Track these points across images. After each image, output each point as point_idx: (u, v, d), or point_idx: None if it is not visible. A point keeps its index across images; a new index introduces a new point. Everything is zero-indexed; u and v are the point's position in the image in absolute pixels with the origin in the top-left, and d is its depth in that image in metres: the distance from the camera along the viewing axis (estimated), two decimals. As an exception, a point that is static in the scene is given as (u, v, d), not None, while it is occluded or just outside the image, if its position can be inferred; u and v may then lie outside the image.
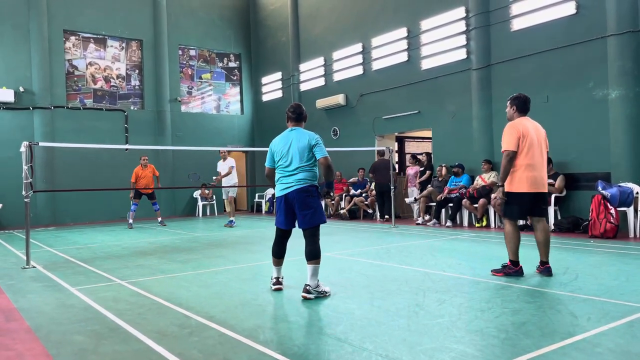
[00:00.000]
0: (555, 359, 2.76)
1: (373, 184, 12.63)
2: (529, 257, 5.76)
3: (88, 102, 15.21)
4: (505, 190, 5.11)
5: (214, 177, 12.38)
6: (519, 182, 4.96)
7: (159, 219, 12.62)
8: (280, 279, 4.76)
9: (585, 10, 8.97)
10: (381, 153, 12.06)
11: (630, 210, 7.92)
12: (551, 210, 9.00)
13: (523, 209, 5.09)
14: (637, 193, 7.96)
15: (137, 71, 16.12)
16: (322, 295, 4.36)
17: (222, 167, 11.94)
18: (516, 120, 5.17)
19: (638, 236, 7.86)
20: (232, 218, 11.73)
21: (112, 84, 15.70)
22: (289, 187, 4.49)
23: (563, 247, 7.08)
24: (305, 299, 4.27)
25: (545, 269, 5.04)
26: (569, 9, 9.14)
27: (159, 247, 8.40)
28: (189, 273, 5.82)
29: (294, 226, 4.63)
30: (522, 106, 5.28)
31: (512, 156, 4.94)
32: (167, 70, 16.35)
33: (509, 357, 2.79)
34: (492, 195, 9.87)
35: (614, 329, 3.24)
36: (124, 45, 15.93)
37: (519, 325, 3.39)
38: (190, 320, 3.77)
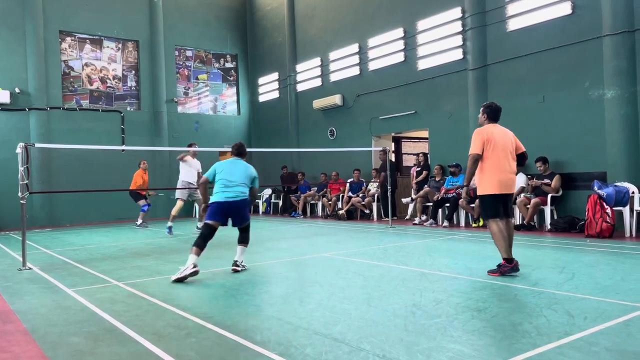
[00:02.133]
0: (552, 358, 2.77)
1: (374, 184, 12.66)
2: (524, 255, 5.78)
3: (84, 103, 15.18)
4: (478, 193, 5.36)
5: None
6: (489, 184, 5.20)
7: (140, 221, 12.52)
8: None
9: (580, 11, 9.00)
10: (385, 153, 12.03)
11: (626, 210, 7.95)
12: (547, 209, 9.03)
13: (497, 208, 5.22)
14: (633, 193, 7.99)
15: (133, 72, 16.09)
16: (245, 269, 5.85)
17: (194, 164, 10.42)
18: (484, 127, 5.44)
19: (634, 235, 7.89)
20: (171, 223, 10.31)
21: (108, 84, 15.67)
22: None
23: (559, 246, 7.10)
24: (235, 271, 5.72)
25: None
26: (565, 9, 9.18)
27: (156, 248, 8.38)
28: (186, 274, 5.80)
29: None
30: (493, 115, 5.52)
31: (476, 158, 5.23)
32: (164, 71, 16.33)
33: (505, 357, 2.80)
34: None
35: (610, 328, 3.26)
36: (120, 46, 15.90)
37: (516, 324, 3.39)
38: (187, 321, 3.77)
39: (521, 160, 5.43)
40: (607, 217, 7.80)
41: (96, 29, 15.40)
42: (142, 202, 12.54)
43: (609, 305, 3.83)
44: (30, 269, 6.39)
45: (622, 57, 8.35)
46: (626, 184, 8.06)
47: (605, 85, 8.61)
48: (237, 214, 5.85)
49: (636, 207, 7.95)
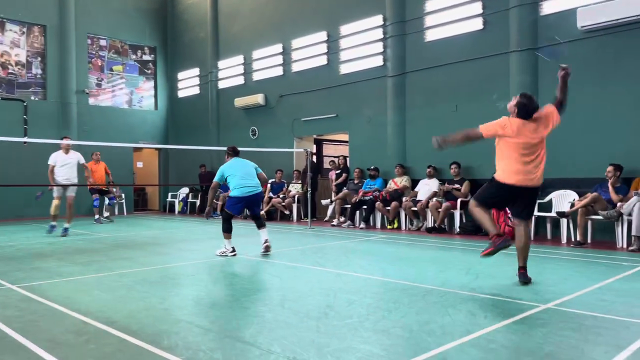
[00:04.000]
0: (453, 356, 2.89)
1: (295, 185, 12.68)
2: (434, 257, 6.00)
3: (-19, 90, 13.89)
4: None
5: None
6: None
7: (105, 215, 12.59)
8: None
9: (491, 27, 9.58)
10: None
11: (526, 215, 8.53)
12: (457, 213, 9.50)
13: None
14: (532, 198, 8.60)
15: (39, 59, 14.96)
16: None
17: (66, 160, 9.58)
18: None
19: (532, 238, 8.49)
20: (69, 225, 9.46)
21: (9, 71, 14.44)
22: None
23: (467, 248, 7.49)
24: (268, 249, 6.82)
25: None
26: (477, 24, 9.72)
27: (59, 248, 7.83)
28: (90, 276, 5.46)
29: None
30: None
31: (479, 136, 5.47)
32: (74, 60, 15.32)
33: (411, 356, 2.88)
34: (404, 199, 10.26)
35: (507, 326, 3.46)
36: (24, 30, 14.72)
37: (423, 324, 3.51)
38: (88, 326, 3.53)
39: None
40: (510, 221, 8.33)
41: (-2, 9, 14.15)
42: (94, 196, 12.46)
43: (508, 304, 4.07)
44: None
45: (526, 72, 8.97)
46: (527, 191, 8.65)
47: (510, 98, 9.16)
48: (256, 204, 7.05)
49: (535, 212, 8.56)
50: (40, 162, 11.86)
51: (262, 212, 12.72)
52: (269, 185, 13.09)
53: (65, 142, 9.72)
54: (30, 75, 14.80)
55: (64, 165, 9.51)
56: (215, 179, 6.87)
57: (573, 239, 7.87)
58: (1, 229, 10.62)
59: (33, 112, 14.55)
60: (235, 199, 6.78)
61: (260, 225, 7.00)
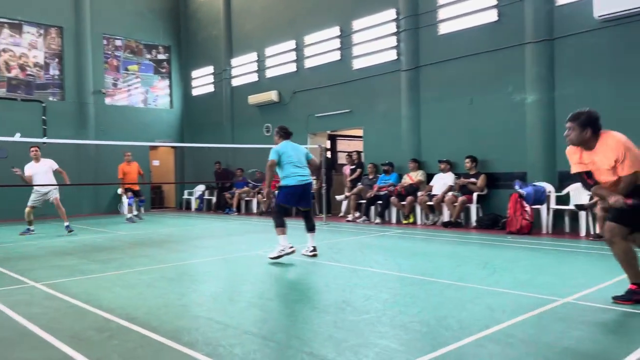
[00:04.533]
0: (471, 351, 2.89)
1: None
2: (451, 252, 5.95)
3: (1, 92, 14.13)
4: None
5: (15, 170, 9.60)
6: None
7: (136, 213, 12.64)
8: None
9: (505, 18, 9.47)
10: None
11: (543, 208, 8.47)
12: (473, 207, 9.44)
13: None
14: (550, 192, 8.52)
15: (56, 60, 15.18)
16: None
17: (36, 169, 9.75)
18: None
19: (550, 232, 8.42)
20: (67, 222, 9.77)
21: (28, 72, 14.68)
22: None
23: (483, 243, 7.46)
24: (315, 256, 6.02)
25: None
26: (491, 16, 9.62)
27: (79, 246, 7.97)
28: (110, 273, 5.56)
29: None
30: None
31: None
32: (90, 60, 15.51)
33: (429, 350, 2.89)
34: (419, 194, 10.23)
35: (525, 321, 3.45)
36: (42, 31, 14.94)
37: (440, 318, 3.52)
38: (110, 323, 3.60)
39: None
40: (527, 215, 8.28)
41: (15, 12, 14.36)
42: (128, 194, 12.67)
43: (526, 298, 4.05)
44: None
45: (542, 64, 8.87)
46: (544, 184, 8.58)
47: (526, 91, 9.11)
48: (307, 196, 6.20)
49: (552, 205, 8.49)
50: (58, 162, 12.07)
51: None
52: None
53: (32, 153, 9.78)
54: (48, 77, 15.03)
55: (37, 174, 9.67)
56: (272, 157, 6.04)
57: (592, 232, 7.78)
58: (22, 227, 10.82)
59: (51, 112, 14.78)
60: (290, 188, 6.06)
61: (310, 227, 6.24)
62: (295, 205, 6.35)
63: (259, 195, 13.68)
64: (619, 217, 3.89)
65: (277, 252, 5.91)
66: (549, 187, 8.56)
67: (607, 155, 3.86)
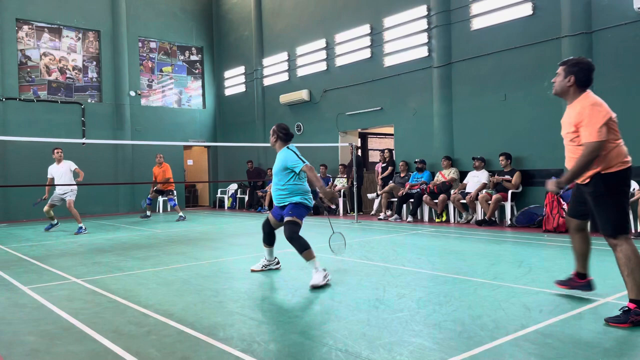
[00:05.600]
0: (508, 350, 2.85)
1: (341, 180, 12.74)
2: (485, 250, 5.86)
3: (42, 94, 14.66)
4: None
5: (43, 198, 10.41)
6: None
7: (179, 214, 12.57)
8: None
9: (541, 12, 9.25)
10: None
11: (581, 206, 8.23)
12: (508, 205, 9.27)
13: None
14: (588, 189, 8.27)
15: (94, 63, 15.64)
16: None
17: (57, 170, 10.04)
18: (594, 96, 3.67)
19: (588, 230, 8.17)
20: (80, 224, 10.01)
21: (67, 75, 15.18)
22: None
23: (518, 241, 7.31)
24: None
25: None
26: (526, 10, 9.41)
27: (117, 244, 8.20)
28: (148, 270, 5.70)
29: None
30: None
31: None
32: (127, 63, 15.93)
33: (464, 350, 2.86)
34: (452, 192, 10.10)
35: (563, 320, 3.38)
36: (80, 35, 15.41)
37: (475, 317, 3.48)
38: (148, 318, 3.70)
39: None
40: (564, 213, 8.06)
41: (55, 17, 14.88)
42: (152, 195, 13.14)
43: (563, 298, 3.96)
44: (-17, 266, 6.16)
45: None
46: (582, 181, 8.34)
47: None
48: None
49: (591, 203, 8.24)
50: (97, 161, 12.48)
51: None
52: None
53: (56, 154, 10.04)
54: (87, 79, 15.50)
55: (58, 175, 10.00)
56: (305, 162, 4.98)
57: (633, 230, 7.53)
58: (63, 225, 11.20)
59: (90, 114, 15.24)
60: (309, 208, 5.12)
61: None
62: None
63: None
64: (568, 207, 3.80)
65: (322, 277, 4.64)
66: (587, 185, 8.31)
67: (571, 115, 3.48)
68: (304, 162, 4.92)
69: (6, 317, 3.84)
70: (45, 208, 10.21)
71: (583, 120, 3.35)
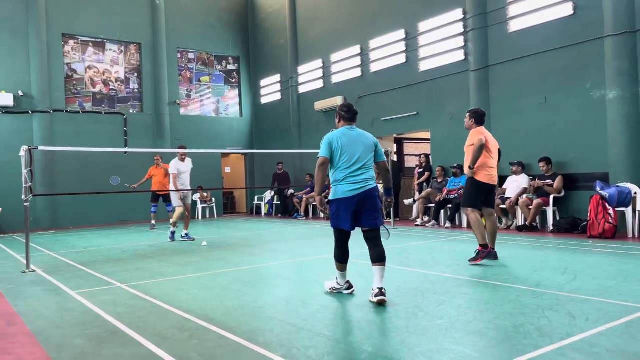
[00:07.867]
0: (553, 359, 2.77)
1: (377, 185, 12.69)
2: (527, 256, 5.73)
3: (87, 106, 15.24)
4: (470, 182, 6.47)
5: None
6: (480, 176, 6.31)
7: (154, 222, 12.47)
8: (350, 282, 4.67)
9: (582, 12, 9.00)
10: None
11: (628, 211, 7.93)
12: (550, 210, 9.01)
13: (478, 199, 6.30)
14: (635, 193, 7.98)
15: (135, 74, 16.15)
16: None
17: (184, 167, 9.60)
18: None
19: (637, 236, 7.88)
20: (187, 230, 9.73)
21: (111, 87, 15.72)
22: (362, 187, 4.35)
23: (562, 247, 7.10)
24: (382, 303, 4.05)
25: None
26: (567, 9, 9.18)
27: (159, 250, 8.41)
28: (188, 276, 5.83)
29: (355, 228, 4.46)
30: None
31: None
32: (166, 73, 16.38)
33: (507, 358, 2.80)
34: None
35: (611, 329, 3.26)
36: (122, 48, 15.96)
37: (518, 325, 3.40)
38: (190, 323, 3.78)
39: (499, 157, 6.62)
40: (610, 218, 7.79)
41: (99, 32, 15.47)
42: (154, 203, 12.34)
43: (611, 306, 3.83)
44: (33, 271, 6.42)
45: (623, 57, 8.34)
46: (628, 185, 8.05)
47: (607, 86, 8.60)
48: (368, 209, 4.36)
49: (639, 207, 7.93)
50: (139, 170, 12.84)
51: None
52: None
53: (181, 150, 9.64)
54: (129, 90, 16.02)
55: (183, 173, 9.54)
56: (322, 153, 4.45)
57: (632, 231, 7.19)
58: (107, 232, 11.59)
59: (132, 124, 15.73)
60: (337, 203, 4.37)
61: (376, 256, 4.40)
62: (351, 225, 4.36)
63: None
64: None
65: (329, 287, 4.61)
66: (634, 189, 8.01)
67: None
68: (320, 155, 4.47)
69: (55, 321, 4.00)
70: (180, 210, 9.44)
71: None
